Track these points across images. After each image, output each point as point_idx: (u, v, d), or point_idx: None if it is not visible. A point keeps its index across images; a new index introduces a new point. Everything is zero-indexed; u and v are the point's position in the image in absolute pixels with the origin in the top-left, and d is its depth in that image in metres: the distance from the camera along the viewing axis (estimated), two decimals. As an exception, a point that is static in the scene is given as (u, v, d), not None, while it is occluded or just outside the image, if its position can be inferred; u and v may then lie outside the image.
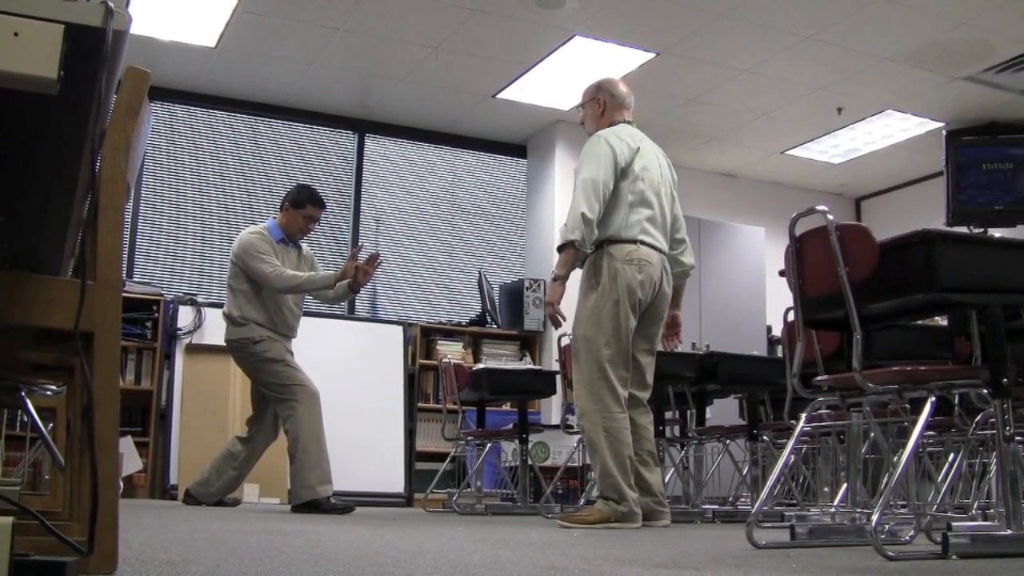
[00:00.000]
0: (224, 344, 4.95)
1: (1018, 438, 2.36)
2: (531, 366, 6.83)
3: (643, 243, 3.82)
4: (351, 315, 7.37)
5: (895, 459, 3.03)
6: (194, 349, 6.53)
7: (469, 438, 5.84)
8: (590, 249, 3.79)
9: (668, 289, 3.95)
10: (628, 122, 4.07)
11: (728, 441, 5.27)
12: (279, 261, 4.84)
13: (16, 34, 1.11)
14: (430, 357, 7.28)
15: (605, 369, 3.72)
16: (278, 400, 4.74)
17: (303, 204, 4.96)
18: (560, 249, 3.78)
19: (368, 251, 4.95)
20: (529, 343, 7.64)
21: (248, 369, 4.89)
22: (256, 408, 4.95)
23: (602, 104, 4.09)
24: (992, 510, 3.04)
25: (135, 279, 6.75)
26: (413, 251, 7.81)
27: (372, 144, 7.83)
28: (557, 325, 3.82)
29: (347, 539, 2.64)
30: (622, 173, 3.83)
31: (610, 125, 4.01)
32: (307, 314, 5.23)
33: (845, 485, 3.09)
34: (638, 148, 3.92)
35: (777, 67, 6.54)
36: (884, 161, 8.21)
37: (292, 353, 4.90)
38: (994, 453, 2.86)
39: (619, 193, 3.82)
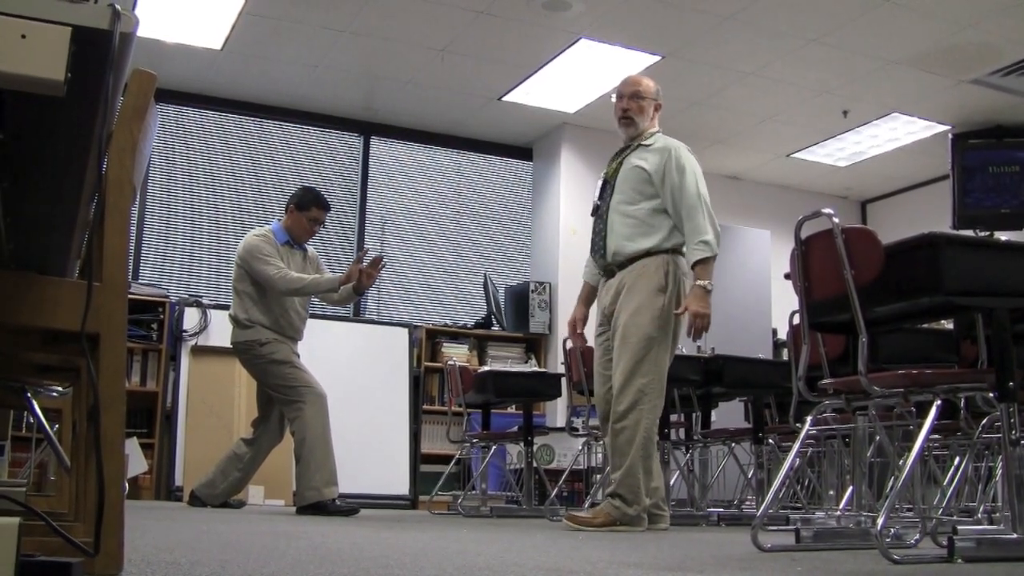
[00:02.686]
0: (230, 346, 4.96)
1: (1024, 442, 2.36)
2: (536, 369, 6.84)
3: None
4: (357, 317, 7.38)
5: (900, 462, 3.03)
6: (200, 351, 6.54)
7: (474, 440, 5.84)
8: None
9: None
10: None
11: (733, 444, 5.27)
12: (284, 263, 4.84)
13: (24, 36, 1.11)
14: (435, 359, 7.29)
15: (662, 373, 3.78)
16: (285, 402, 4.74)
17: (308, 207, 4.97)
18: (703, 261, 3.77)
19: (373, 254, 4.95)
20: (534, 346, 7.64)
21: (255, 371, 4.89)
22: (261, 410, 4.95)
23: (658, 109, 4.12)
24: (998, 514, 3.04)
25: (141, 281, 6.77)
26: (419, 253, 7.82)
27: (378, 146, 7.84)
28: (699, 336, 3.80)
29: (352, 541, 2.65)
30: None
31: (655, 130, 4.05)
32: (313, 316, 5.24)
33: (850, 488, 3.08)
34: None
35: (782, 70, 6.53)
36: (890, 164, 8.20)
37: (298, 355, 4.90)
38: (1000, 457, 2.85)
39: None
